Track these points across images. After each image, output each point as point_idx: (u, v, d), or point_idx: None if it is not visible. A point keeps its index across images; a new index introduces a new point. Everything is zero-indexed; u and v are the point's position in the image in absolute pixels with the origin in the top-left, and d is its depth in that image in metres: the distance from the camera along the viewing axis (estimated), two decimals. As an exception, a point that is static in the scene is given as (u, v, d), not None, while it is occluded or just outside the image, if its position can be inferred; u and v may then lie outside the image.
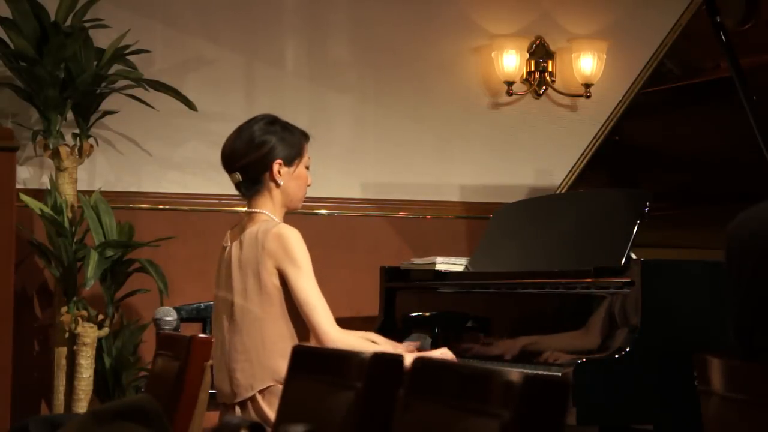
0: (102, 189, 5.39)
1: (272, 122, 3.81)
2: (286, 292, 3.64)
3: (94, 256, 4.97)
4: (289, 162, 3.76)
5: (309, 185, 3.85)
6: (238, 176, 3.76)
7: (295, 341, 3.61)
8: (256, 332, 3.64)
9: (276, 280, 3.64)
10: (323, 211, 5.74)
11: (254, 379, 3.62)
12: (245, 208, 3.82)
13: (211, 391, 3.11)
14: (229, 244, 3.79)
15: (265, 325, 3.64)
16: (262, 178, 3.75)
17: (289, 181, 3.76)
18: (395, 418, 1.86)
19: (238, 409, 3.65)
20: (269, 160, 3.74)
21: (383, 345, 3.79)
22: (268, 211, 3.76)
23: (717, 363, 2.03)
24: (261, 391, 3.61)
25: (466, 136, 6.08)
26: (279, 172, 3.74)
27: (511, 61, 6.00)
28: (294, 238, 3.64)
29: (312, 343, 3.63)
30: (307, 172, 3.82)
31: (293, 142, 3.79)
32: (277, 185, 3.75)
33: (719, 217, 2.82)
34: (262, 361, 3.62)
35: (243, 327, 3.66)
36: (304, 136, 3.83)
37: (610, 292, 3.73)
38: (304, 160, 3.81)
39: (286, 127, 3.81)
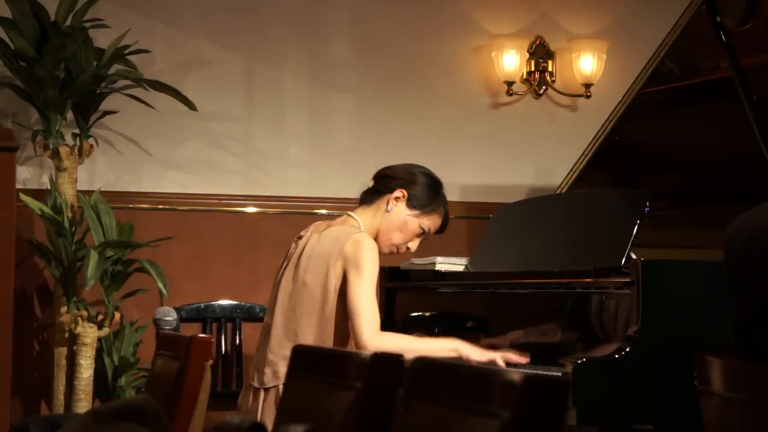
0: (102, 189, 5.39)
1: (435, 182, 3.86)
2: (341, 299, 3.64)
3: (94, 256, 4.97)
4: (411, 205, 3.76)
5: (405, 249, 3.84)
6: (371, 182, 3.82)
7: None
8: (304, 324, 3.65)
9: (338, 283, 3.64)
10: (323, 211, 5.72)
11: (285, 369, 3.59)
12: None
13: (210, 391, 3.11)
14: (308, 234, 3.79)
15: (314, 321, 3.65)
16: (383, 195, 3.78)
17: (397, 218, 3.76)
18: (395, 418, 1.86)
19: (262, 393, 3.66)
20: (399, 185, 3.76)
21: (467, 351, 3.72)
22: (362, 221, 3.77)
23: (717, 363, 2.03)
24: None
25: (467, 136, 6.07)
26: (396, 201, 3.74)
27: (511, 61, 6.00)
28: (369, 248, 3.64)
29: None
30: (415, 235, 3.80)
31: (431, 201, 3.80)
32: (387, 210, 3.76)
33: (719, 217, 2.83)
34: None
35: (294, 316, 3.67)
36: (444, 215, 3.83)
37: (610, 292, 3.73)
38: (423, 222, 3.80)
39: (441, 196, 3.83)
